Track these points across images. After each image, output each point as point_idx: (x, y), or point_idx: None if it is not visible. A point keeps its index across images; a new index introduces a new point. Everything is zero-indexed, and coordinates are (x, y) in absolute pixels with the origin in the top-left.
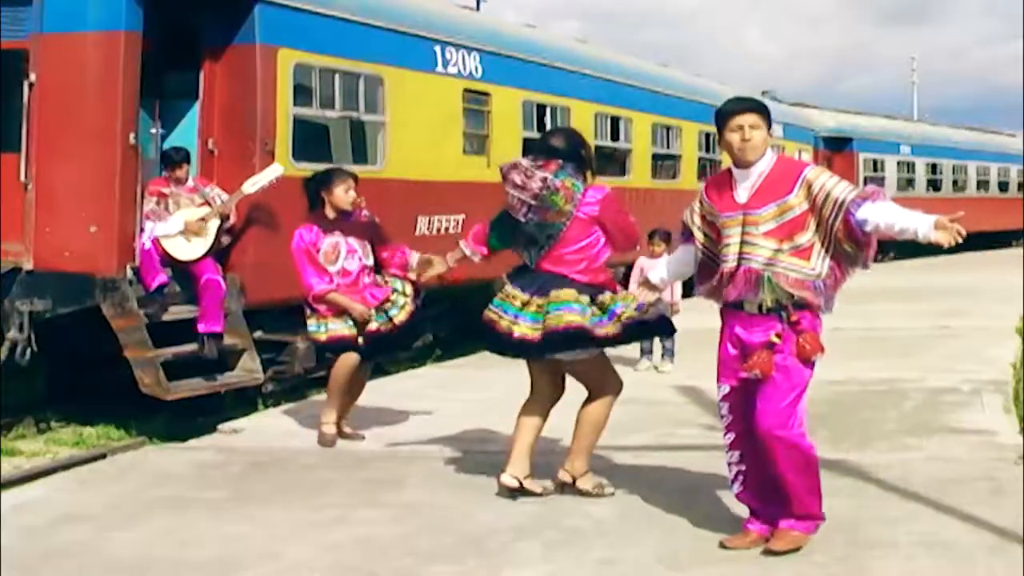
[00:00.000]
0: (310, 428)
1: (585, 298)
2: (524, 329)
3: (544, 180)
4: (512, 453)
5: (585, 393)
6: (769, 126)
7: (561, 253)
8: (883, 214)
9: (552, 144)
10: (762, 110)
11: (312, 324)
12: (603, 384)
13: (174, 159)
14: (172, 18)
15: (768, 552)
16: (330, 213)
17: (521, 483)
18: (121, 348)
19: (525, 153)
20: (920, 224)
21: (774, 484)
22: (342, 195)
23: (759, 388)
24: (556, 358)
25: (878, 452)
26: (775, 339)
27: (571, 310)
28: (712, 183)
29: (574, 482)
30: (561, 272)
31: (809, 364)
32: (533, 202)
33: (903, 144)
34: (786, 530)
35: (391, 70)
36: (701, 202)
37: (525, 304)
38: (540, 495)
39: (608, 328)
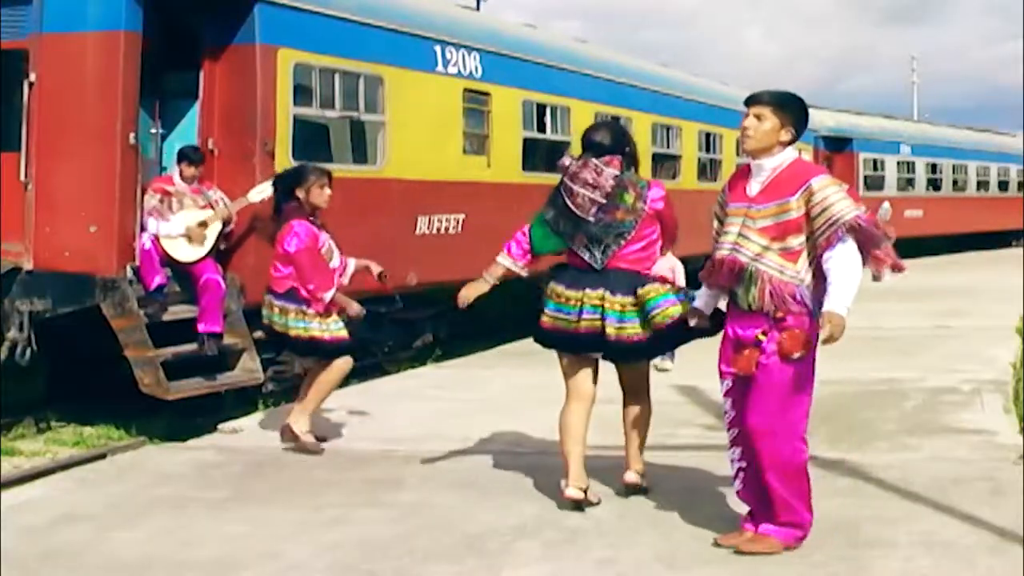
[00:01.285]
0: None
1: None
2: (629, 331)
3: (616, 178)
4: (571, 465)
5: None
6: (787, 122)
7: (630, 251)
8: (835, 267)
9: (604, 141)
10: (775, 102)
11: (314, 322)
12: (647, 381)
13: (193, 159)
14: (172, 18)
15: (737, 552)
16: (306, 210)
17: (586, 493)
18: (121, 348)
19: (527, 152)
20: (827, 301)
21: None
22: (320, 193)
23: (750, 387)
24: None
25: (878, 452)
26: (760, 336)
27: (670, 302)
28: (735, 174)
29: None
30: (635, 269)
31: (793, 362)
32: (604, 201)
33: (903, 144)
34: (762, 535)
35: (391, 70)
36: (723, 191)
37: (602, 301)
38: (596, 504)
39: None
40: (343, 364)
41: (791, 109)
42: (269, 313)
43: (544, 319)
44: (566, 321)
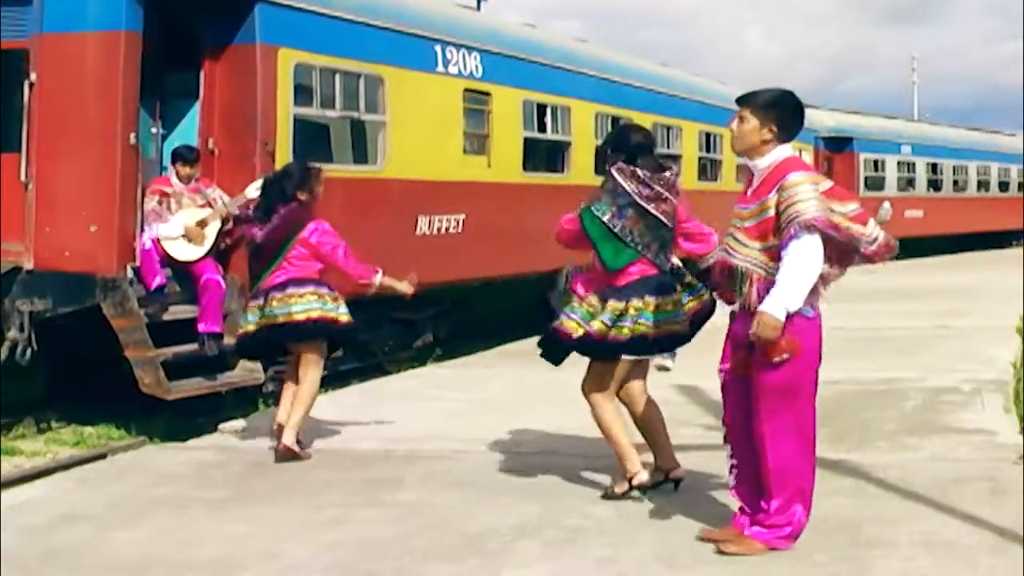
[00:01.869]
0: (310, 428)
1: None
2: (648, 328)
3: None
4: (627, 452)
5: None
6: (768, 122)
7: None
8: (783, 265)
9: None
10: (754, 102)
11: (343, 306)
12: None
13: (188, 158)
14: (172, 18)
15: (718, 551)
16: (309, 209)
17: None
18: (121, 348)
19: (527, 152)
20: (766, 303)
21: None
22: (320, 188)
23: (749, 389)
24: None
25: (878, 452)
26: (752, 337)
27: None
28: (750, 178)
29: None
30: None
31: (783, 364)
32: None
33: (903, 144)
34: (746, 537)
35: (391, 70)
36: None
37: (648, 306)
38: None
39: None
40: (317, 371)
41: (773, 108)
42: (291, 304)
43: (640, 332)
44: (621, 330)
